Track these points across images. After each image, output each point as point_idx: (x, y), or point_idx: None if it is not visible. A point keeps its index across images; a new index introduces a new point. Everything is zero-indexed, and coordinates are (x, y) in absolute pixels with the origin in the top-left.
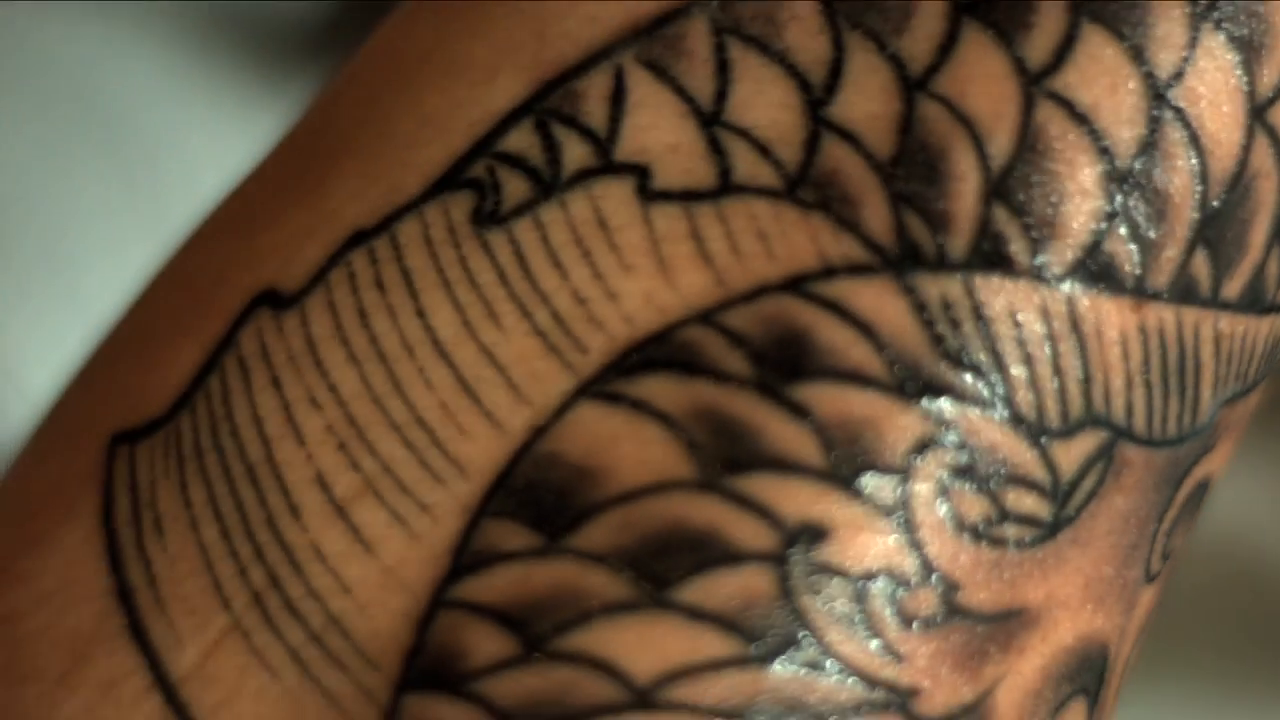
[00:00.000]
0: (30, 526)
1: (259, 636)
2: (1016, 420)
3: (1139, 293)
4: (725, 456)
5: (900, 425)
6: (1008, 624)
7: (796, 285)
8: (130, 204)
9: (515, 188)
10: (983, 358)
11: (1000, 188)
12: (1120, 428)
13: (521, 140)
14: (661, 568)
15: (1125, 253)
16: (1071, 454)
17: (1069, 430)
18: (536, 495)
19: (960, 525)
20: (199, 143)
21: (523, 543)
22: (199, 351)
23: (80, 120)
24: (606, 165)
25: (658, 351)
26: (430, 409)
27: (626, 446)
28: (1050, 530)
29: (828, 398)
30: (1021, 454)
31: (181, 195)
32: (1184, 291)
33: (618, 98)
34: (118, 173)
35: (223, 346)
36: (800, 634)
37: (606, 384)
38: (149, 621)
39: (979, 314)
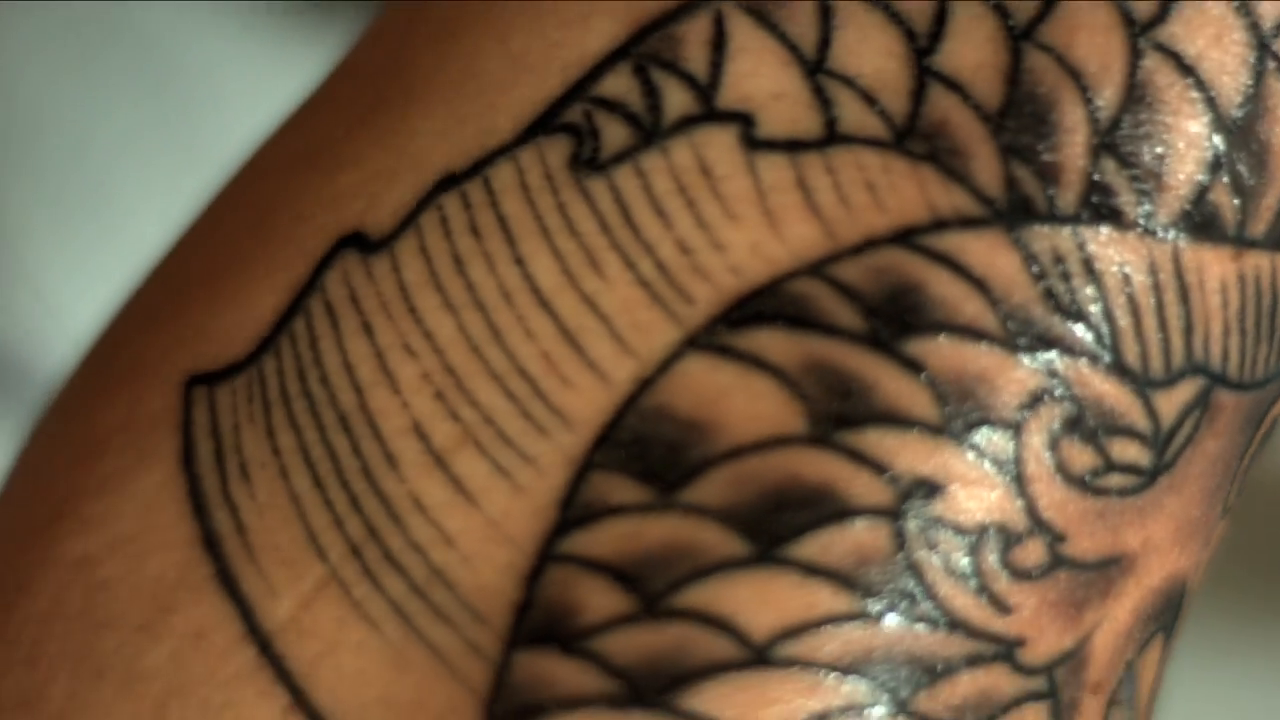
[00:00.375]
0: (97, 468)
1: (358, 589)
2: (1123, 371)
3: (1239, 241)
4: (838, 411)
5: (1013, 379)
6: (1108, 571)
7: (906, 238)
8: (161, 127)
9: (614, 134)
10: (1092, 310)
11: (1108, 140)
12: (1216, 374)
13: (619, 85)
14: (776, 524)
15: (1227, 203)
16: (1172, 402)
17: (1171, 379)
18: (645, 449)
19: (1068, 476)
20: (233, 70)
21: (632, 497)
22: (280, 293)
23: (110, 40)
24: (709, 113)
25: (767, 304)
26: (531, 359)
27: (737, 400)
28: (1150, 478)
29: (941, 352)
30: (1127, 404)
31: (214, 121)
32: (1279, 238)
33: (718, 43)
34: (148, 95)
35: (307, 289)
36: (915, 589)
37: (715, 336)
38: (239, 571)
39: (1088, 267)
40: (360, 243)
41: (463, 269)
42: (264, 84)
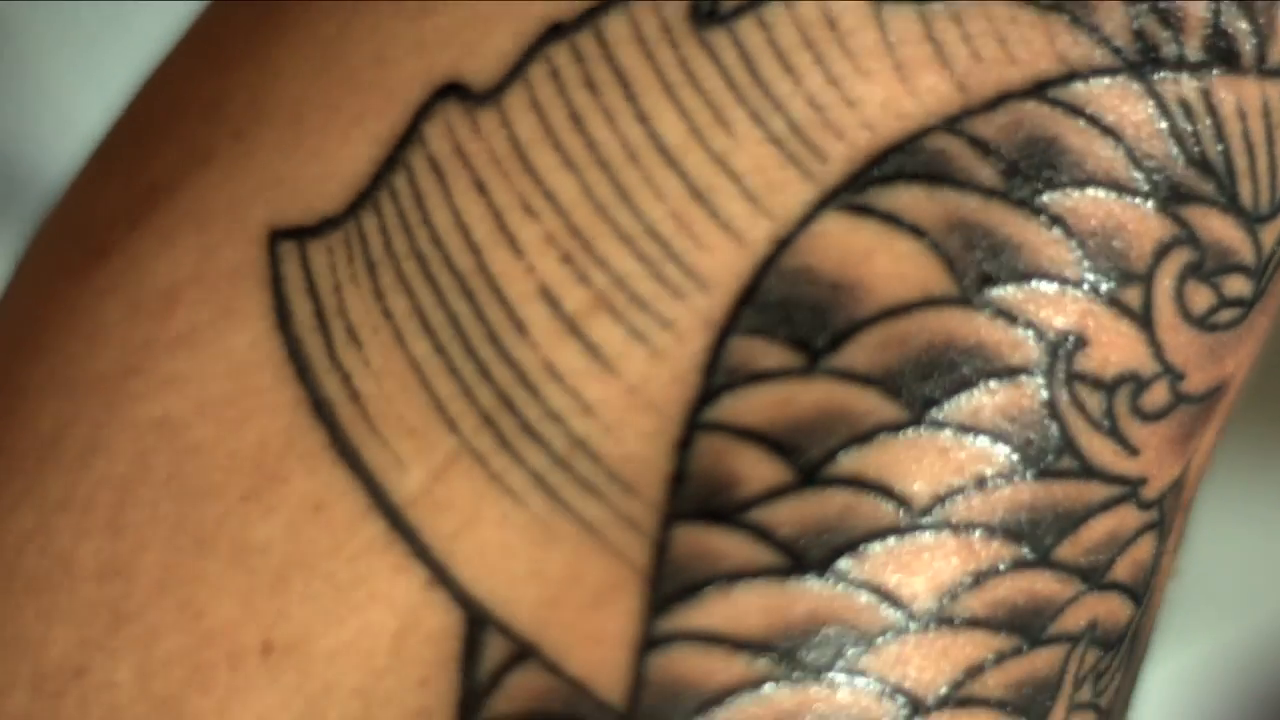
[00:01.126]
0: (170, 323)
1: (496, 461)
2: (1238, 211)
3: None
4: (982, 269)
5: (1147, 229)
6: (1213, 400)
7: (1040, 90)
8: None
9: None
10: (1216, 154)
11: None
12: None
13: None
14: (929, 386)
15: None
16: (1272, 233)
17: (1274, 212)
18: (790, 312)
19: (1189, 318)
20: None
21: (780, 362)
22: (375, 145)
23: None
24: None
25: (904, 161)
26: (662, 220)
27: (881, 261)
28: (1250, 307)
29: (1080, 206)
30: (1239, 242)
31: None
32: None
33: None
34: None
35: (405, 141)
36: (1059, 442)
37: (852, 195)
38: (358, 441)
39: (1213, 112)
40: (461, 93)
41: (581, 125)
42: None
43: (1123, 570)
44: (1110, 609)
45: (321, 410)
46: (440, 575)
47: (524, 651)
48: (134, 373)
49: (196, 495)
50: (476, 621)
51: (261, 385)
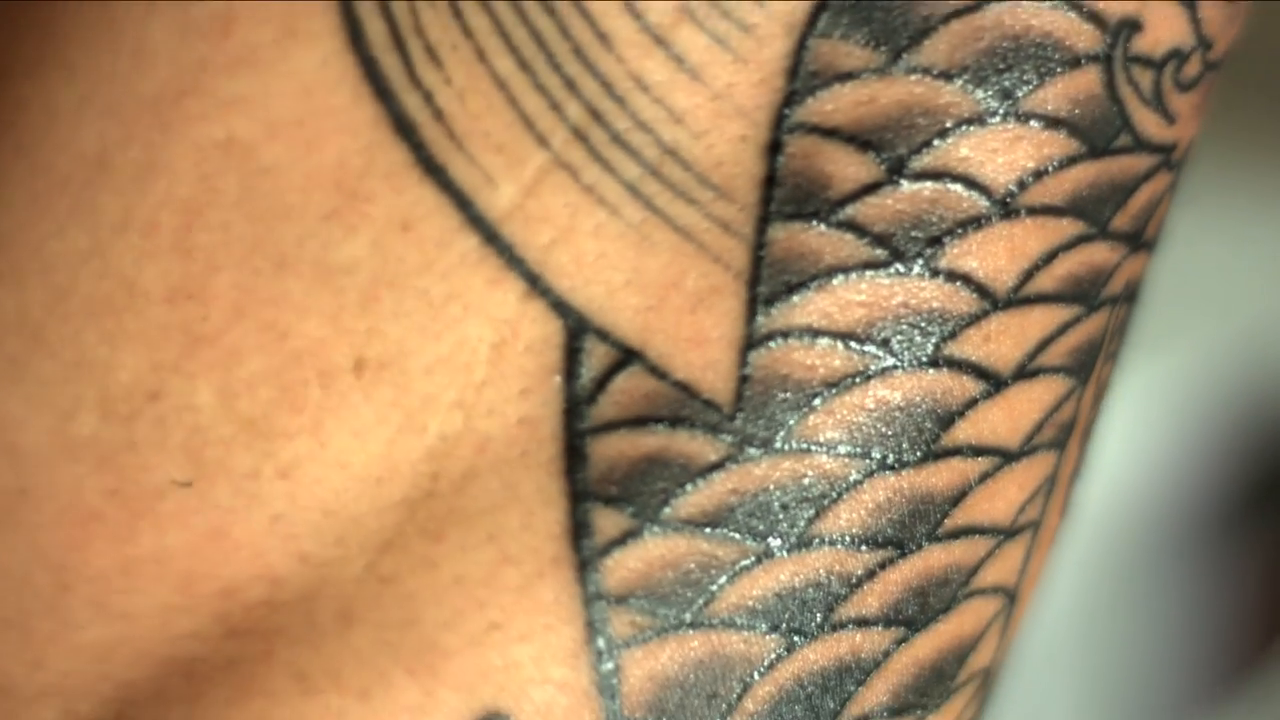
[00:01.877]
0: (226, 44)
1: (588, 173)
2: None
3: None
4: None
5: None
6: (1221, 63)
7: None
8: None
9: None
10: None
11: None
12: None
13: None
14: (1005, 78)
15: None
16: None
17: None
18: (868, 12)
19: None
20: None
21: (861, 61)
22: None
23: None
24: None
25: None
26: None
27: None
28: None
29: None
30: None
31: None
32: None
33: None
34: None
35: None
36: (1120, 122)
37: None
38: (445, 159)
39: None
40: None
41: None
42: None
43: (1152, 228)
44: (1140, 267)
45: (404, 128)
46: (537, 286)
47: (626, 358)
48: (189, 94)
49: (272, 217)
50: (576, 330)
51: (336, 105)
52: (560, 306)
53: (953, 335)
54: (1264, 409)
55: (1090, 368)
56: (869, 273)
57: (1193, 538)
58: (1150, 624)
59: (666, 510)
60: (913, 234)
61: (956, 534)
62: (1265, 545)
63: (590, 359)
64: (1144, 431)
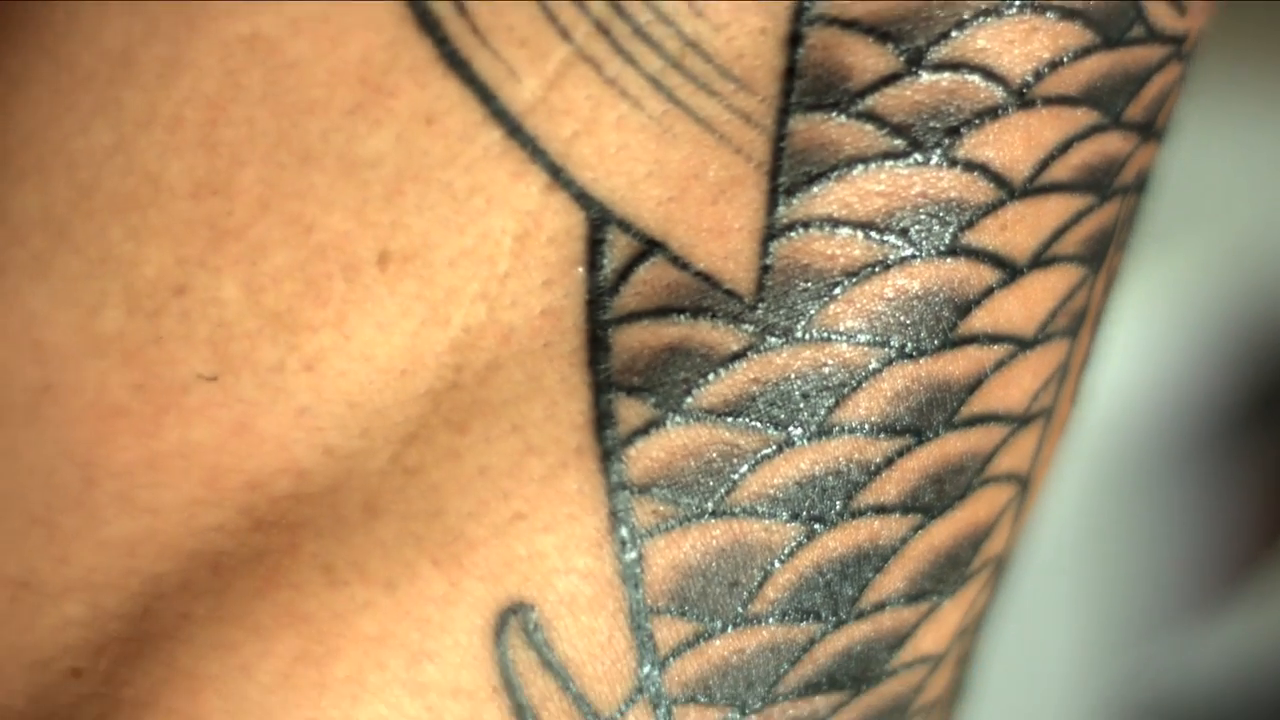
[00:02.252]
0: None
1: (610, 66)
2: None
3: None
4: None
5: None
6: None
7: None
8: None
9: None
10: None
11: None
12: None
13: None
14: None
15: None
16: None
17: None
18: None
19: None
20: None
21: None
22: None
23: None
24: None
25: None
26: None
27: None
28: None
29: None
30: None
31: None
32: None
33: None
34: None
35: None
36: (1134, 13)
37: None
38: (468, 53)
39: None
40: None
41: None
42: None
43: (1162, 118)
44: (1150, 157)
45: (427, 23)
46: (560, 178)
47: (649, 248)
48: None
49: (296, 111)
50: (599, 222)
51: (359, 1)
52: (583, 198)
53: (970, 224)
54: (1269, 317)
55: (1102, 256)
56: (888, 163)
57: (1196, 444)
58: (1153, 527)
59: (689, 400)
60: (931, 124)
61: (973, 421)
62: (1268, 451)
63: (613, 250)
64: (1149, 339)
